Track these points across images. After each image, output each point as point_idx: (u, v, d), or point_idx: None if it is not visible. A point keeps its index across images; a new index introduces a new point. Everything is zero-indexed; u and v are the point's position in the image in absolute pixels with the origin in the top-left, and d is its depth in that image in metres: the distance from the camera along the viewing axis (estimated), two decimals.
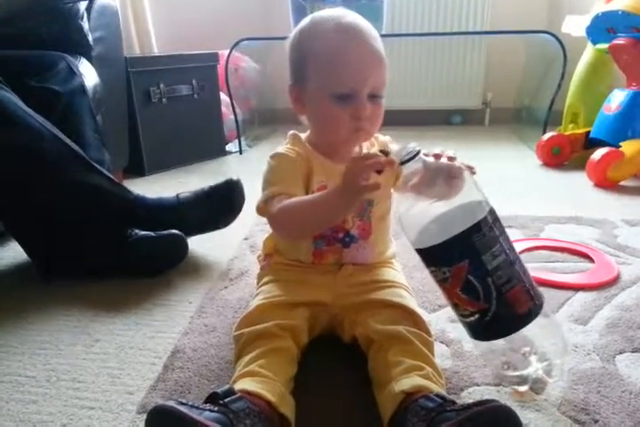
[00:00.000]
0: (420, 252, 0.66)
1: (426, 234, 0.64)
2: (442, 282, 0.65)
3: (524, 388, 0.68)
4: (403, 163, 0.64)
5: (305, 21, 0.80)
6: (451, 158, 0.65)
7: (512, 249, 0.65)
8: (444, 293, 0.67)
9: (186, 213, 1.17)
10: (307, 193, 0.80)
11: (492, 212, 0.64)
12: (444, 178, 0.64)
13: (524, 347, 0.65)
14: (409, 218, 0.65)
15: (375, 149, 0.85)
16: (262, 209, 0.77)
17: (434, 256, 0.65)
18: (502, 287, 0.62)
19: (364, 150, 0.83)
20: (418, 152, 0.63)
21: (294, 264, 0.86)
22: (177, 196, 1.21)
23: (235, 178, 1.21)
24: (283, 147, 0.84)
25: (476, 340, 0.67)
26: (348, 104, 0.74)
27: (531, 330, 0.64)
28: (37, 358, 0.82)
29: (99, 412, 0.69)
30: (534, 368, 0.66)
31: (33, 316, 0.95)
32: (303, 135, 0.86)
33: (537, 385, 0.69)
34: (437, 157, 0.65)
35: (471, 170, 0.66)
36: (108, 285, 1.06)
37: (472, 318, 0.64)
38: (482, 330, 0.65)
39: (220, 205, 1.20)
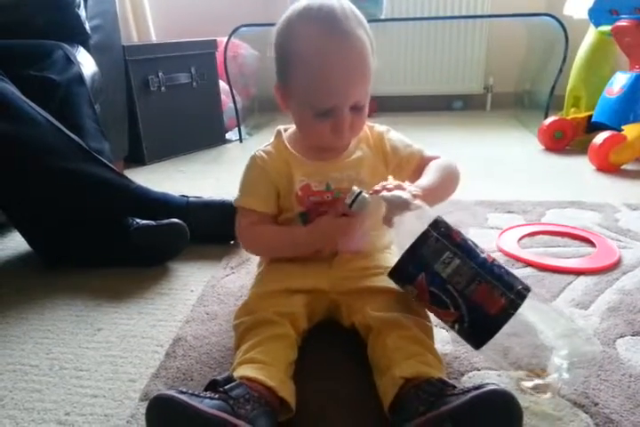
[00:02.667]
0: (390, 275, 0.70)
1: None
2: (417, 300, 0.69)
3: (547, 395, 0.65)
4: (350, 206, 0.72)
5: (291, 13, 0.77)
6: (389, 189, 0.71)
7: (469, 251, 0.65)
8: (428, 311, 0.70)
9: (191, 218, 1.13)
10: (284, 197, 0.83)
11: (435, 223, 0.66)
12: (390, 209, 0.70)
13: (529, 336, 0.64)
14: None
15: (370, 142, 0.86)
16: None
17: (397, 278, 0.69)
18: (465, 291, 0.63)
19: (359, 152, 0.85)
20: (359, 193, 0.72)
21: None
22: (187, 199, 1.20)
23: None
24: (264, 147, 0.86)
25: (477, 348, 0.64)
26: (329, 117, 0.76)
27: (530, 317, 0.63)
28: (40, 347, 0.83)
29: (102, 400, 0.70)
30: (556, 374, 0.63)
31: (35, 305, 0.96)
32: (287, 132, 0.87)
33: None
34: (376, 191, 0.72)
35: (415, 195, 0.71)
36: (110, 274, 1.06)
37: (457, 328, 0.65)
38: (469, 337, 0.65)
39: (228, 222, 1.17)
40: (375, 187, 0.73)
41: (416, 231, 0.66)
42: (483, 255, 0.66)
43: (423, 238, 0.65)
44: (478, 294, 0.63)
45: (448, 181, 0.84)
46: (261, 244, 0.87)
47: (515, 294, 0.63)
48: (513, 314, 0.62)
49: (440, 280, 0.64)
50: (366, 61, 0.75)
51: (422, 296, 0.66)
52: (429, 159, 0.86)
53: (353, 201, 0.72)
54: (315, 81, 0.74)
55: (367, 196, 0.72)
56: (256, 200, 0.84)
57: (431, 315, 0.72)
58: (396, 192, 0.70)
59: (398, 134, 0.89)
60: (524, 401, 0.63)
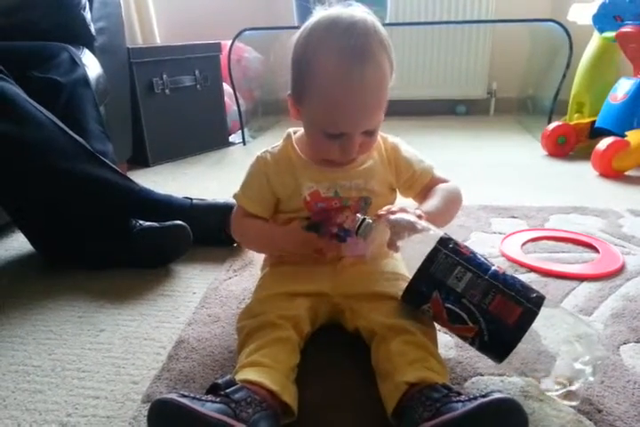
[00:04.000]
0: (403, 299, 0.70)
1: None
2: (435, 320, 0.69)
3: (576, 402, 0.65)
4: (357, 233, 0.74)
5: (315, 27, 0.74)
6: (393, 212, 0.72)
7: (481, 264, 0.66)
8: (446, 329, 0.69)
9: (194, 221, 1.13)
10: (292, 198, 0.83)
11: (442, 241, 0.67)
12: (395, 232, 0.70)
13: (532, 342, 0.63)
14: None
15: (382, 152, 0.86)
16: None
17: (411, 300, 0.69)
18: (481, 304, 0.63)
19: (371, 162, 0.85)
20: (363, 220, 0.73)
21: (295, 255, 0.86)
22: (191, 201, 1.20)
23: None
24: (271, 149, 0.87)
25: (500, 361, 0.65)
26: (339, 139, 0.76)
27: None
28: (43, 348, 0.83)
29: (104, 401, 0.70)
30: (582, 379, 0.63)
31: (38, 306, 0.96)
32: (297, 135, 0.87)
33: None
34: (380, 216, 0.73)
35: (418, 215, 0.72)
36: (113, 276, 1.06)
37: (477, 344, 0.65)
38: (491, 351, 0.65)
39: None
40: (379, 211, 0.74)
41: (423, 251, 0.66)
42: (494, 267, 0.66)
43: (432, 256, 0.65)
44: (494, 305, 0.63)
45: (452, 207, 0.85)
46: (246, 236, 0.91)
47: (531, 303, 0.63)
48: (531, 323, 0.62)
49: (455, 295, 0.64)
50: (383, 92, 0.75)
51: (439, 315, 0.66)
52: (438, 181, 0.87)
53: (358, 228, 0.73)
54: (328, 108, 0.73)
55: (371, 221, 0.73)
56: (250, 201, 0.86)
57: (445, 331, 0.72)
58: (401, 215, 0.71)
59: (410, 148, 0.89)
60: (528, 408, 0.63)
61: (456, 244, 0.67)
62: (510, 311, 0.62)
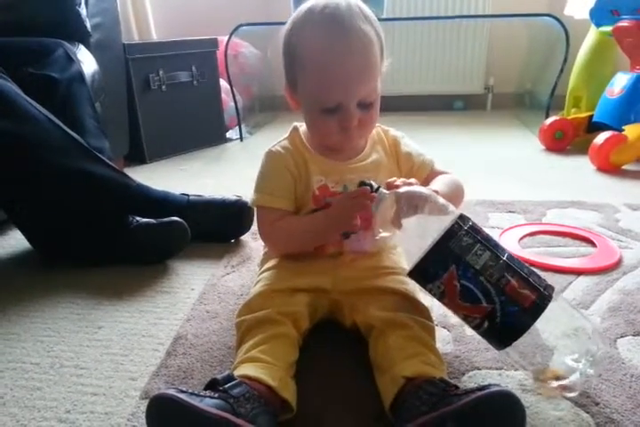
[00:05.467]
0: (411, 275, 0.67)
1: (413, 256, 0.66)
2: (442, 298, 0.65)
3: (574, 393, 0.65)
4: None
5: (297, 14, 0.77)
6: (409, 184, 0.70)
7: (498, 246, 0.65)
8: (451, 310, 0.66)
9: (191, 217, 1.13)
10: (301, 196, 0.82)
11: (462, 218, 0.65)
12: (408, 204, 0.67)
13: (530, 335, 0.62)
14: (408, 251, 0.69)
15: (385, 145, 0.86)
16: (253, 206, 0.85)
17: (421, 275, 0.66)
18: (499, 283, 0.61)
19: (370, 151, 0.84)
20: (377, 188, 0.70)
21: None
22: (187, 197, 1.19)
23: (248, 201, 1.16)
24: (279, 143, 0.85)
25: (503, 347, 0.63)
26: (336, 114, 0.75)
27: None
28: (41, 345, 0.83)
29: (102, 398, 0.70)
30: (579, 372, 0.62)
31: (36, 304, 0.95)
32: (303, 127, 0.86)
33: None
34: (391, 185, 0.70)
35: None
36: (110, 272, 1.06)
37: (485, 326, 0.63)
38: (500, 335, 0.63)
39: (229, 222, 1.18)
40: (396, 181, 0.71)
41: (438, 227, 0.64)
42: (507, 252, 0.65)
43: (452, 232, 0.63)
44: (511, 286, 0.61)
45: (454, 196, 0.83)
46: (290, 237, 0.83)
47: (545, 289, 0.62)
48: (544, 310, 0.61)
49: (473, 272, 0.62)
50: (372, 58, 0.74)
51: (451, 292, 0.63)
52: (439, 173, 0.86)
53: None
54: (319, 79, 0.74)
55: (386, 191, 0.70)
56: (277, 198, 0.82)
57: (449, 317, 0.70)
58: (415, 187, 0.69)
59: (412, 142, 0.89)
60: (526, 402, 0.63)
61: (474, 223, 0.66)
62: (526, 295, 0.61)
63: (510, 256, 0.64)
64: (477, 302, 0.62)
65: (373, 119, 0.79)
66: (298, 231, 0.82)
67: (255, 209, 0.86)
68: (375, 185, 0.71)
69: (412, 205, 0.66)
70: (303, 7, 0.76)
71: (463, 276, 0.62)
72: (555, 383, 0.63)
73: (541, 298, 0.62)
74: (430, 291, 0.65)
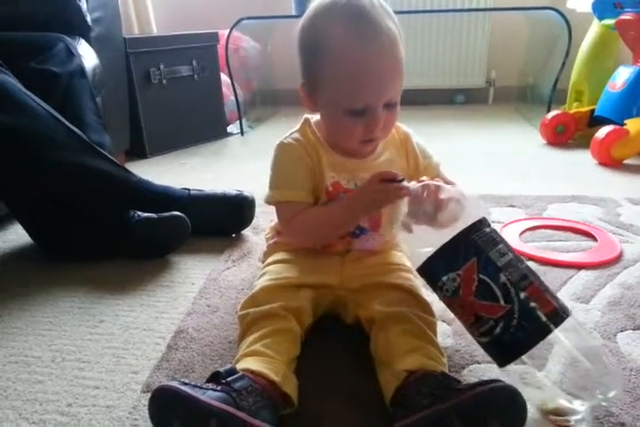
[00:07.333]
0: (427, 264, 0.63)
1: (426, 247, 0.63)
2: (454, 296, 0.61)
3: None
4: None
5: (316, 11, 0.73)
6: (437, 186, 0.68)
7: (519, 256, 0.63)
8: (461, 311, 0.62)
9: (192, 211, 1.12)
10: (316, 188, 0.80)
11: (485, 219, 0.63)
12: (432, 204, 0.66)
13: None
14: (416, 252, 0.66)
15: (397, 142, 0.84)
16: (271, 203, 0.83)
17: (437, 265, 0.62)
18: (519, 284, 0.59)
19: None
20: (402, 180, 0.69)
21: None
22: (188, 192, 1.19)
23: (249, 196, 1.19)
24: (290, 135, 0.83)
25: (510, 361, 0.60)
26: (362, 117, 0.73)
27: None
28: (42, 338, 0.83)
29: (103, 391, 0.70)
30: (582, 412, 0.61)
31: (37, 298, 0.96)
32: (314, 119, 0.84)
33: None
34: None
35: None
36: (112, 266, 1.07)
37: (498, 330, 0.58)
38: (513, 341, 0.58)
39: (229, 216, 1.18)
40: (421, 179, 0.70)
41: (458, 225, 0.62)
42: (526, 264, 0.63)
43: (479, 226, 0.61)
44: (532, 290, 0.59)
45: None
46: (316, 229, 0.81)
47: (562, 305, 0.60)
48: (564, 319, 0.58)
49: (494, 268, 0.59)
50: (399, 55, 0.72)
51: (467, 286, 0.60)
52: (443, 179, 0.84)
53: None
54: (347, 80, 0.70)
55: (416, 184, 0.69)
56: (295, 191, 0.80)
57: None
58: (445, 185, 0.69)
59: (421, 141, 0.87)
60: (526, 396, 0.63)
61: (494, 228, 0.64)
62: (545, 302, 0.59)
63: (528, 266, 0.62)
64: (494, 300, 0.59)
65: (395, 119, 0.77)
66: (326, 222, 0.80)
67: (274, 206, 0.83)
68: (400, 177, 0.69)
69: (445, 200, 0.66)
70: (321, 3, 0.73)
71: (484, 269, 0.59)
72: (559, 419, 0.62)
73: (562, 308, 0.60)
74: (443, 286, 0.62)
